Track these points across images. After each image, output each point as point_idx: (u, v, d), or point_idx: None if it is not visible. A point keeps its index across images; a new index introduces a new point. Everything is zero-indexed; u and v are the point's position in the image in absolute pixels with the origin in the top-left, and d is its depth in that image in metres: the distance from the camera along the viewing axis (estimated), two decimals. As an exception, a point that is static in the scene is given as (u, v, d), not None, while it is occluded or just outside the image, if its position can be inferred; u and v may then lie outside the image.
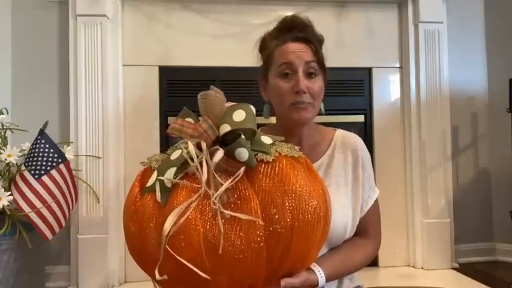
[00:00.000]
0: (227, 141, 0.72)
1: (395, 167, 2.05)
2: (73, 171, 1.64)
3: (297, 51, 0.93)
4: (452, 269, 2.00)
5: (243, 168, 0.69)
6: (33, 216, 1.45)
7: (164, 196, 0.72)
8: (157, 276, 0.68)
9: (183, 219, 0.66)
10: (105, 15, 1.83)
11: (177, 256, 0.65)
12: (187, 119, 0.78)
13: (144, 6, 1.94)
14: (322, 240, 0.78)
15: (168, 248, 0.66)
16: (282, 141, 0.80)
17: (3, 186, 1.45)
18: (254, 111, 0.75)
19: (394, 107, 2.09)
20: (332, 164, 0.98)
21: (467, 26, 2.24)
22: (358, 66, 2.07)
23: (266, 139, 0.77)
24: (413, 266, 2.03)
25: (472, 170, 2.23)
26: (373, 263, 2.02)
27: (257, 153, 0.73)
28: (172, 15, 1.96)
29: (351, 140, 1.01)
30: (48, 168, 1.51)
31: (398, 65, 2.11)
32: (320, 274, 0.83)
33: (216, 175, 0.69)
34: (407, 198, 2.06)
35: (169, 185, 0.72)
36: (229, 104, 0.76)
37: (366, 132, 2.07)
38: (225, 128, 0.72)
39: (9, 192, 1.42)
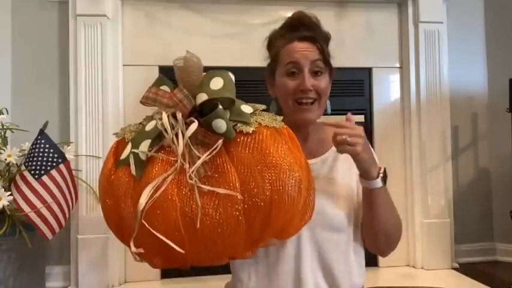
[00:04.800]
0: (204, 111, 0.69)
1: (396, 167, 2.05)
2: (73, 171, 1.64)
3: (303, 51, 0.95)
4: (452, 269, 1.99)
5: (220, 141, 0.67)
6: (33, 216, 1.44)
7: (139, 169, 0.69)
8: (133, 249, 0.66)
9: (158, 193, 0.64)
10: (105, 15, 1.83)
11: (153, 231, 0.64)
12: (162, 87, 0.74)
13: (144, 6, 1.94)
14: (307, 212, 0.77)
15: (145, 223, 0.64)
16: (263, 110, 0.77)
17: (3, 186, 1.45)
18: (233, 79, 0.72)
19: (394, 107, 2.09)
20: (338, 158, 1.01)
21: (467, 26, 2.24)
22: (358, 66, 2.07)
23: (246, 108, 0.75)
24: (413, 266, 2.03)
25: (472, 170, 2.23)
26: (373, 263, 2.02)
27: (236, 124, 0.70)
28: (172, 15, 1.96)
29: None
30: (48, 168, 1.51)
31: (398, 65, 2.10)
32: (381, 173, 0.89)
33: (192, 148, 0.66)
34: (407, 198, 2.06)
35: (144, 157, 0.69)
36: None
37: (365, 132, 2.05)
38: (202, 97, 0.69)
39: (9, 192, 1.42)
